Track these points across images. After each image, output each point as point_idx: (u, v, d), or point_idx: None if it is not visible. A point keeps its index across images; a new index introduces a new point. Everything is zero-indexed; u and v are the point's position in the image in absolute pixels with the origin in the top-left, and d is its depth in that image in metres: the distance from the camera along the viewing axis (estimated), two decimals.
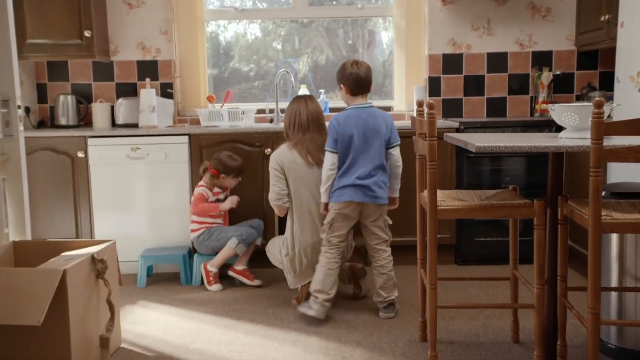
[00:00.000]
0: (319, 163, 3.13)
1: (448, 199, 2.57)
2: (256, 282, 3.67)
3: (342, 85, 3.13)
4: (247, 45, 4.52)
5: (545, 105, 4.07)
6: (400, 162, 3.14)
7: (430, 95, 4.46)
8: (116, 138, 3.93)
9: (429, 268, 2.49)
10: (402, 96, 4.60)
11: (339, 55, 4.59)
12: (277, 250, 3.33)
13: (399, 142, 3.13)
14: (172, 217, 3.98)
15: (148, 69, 4.47)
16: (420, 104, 2.80)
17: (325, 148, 3.07)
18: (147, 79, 4.24)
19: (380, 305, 3.14)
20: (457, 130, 4.00)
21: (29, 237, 2.98)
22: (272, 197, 3.23)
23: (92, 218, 3.96)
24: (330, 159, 3.04)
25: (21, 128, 2.95)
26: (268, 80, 4.46)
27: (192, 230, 3.72)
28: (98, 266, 2.57)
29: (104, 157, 3.93)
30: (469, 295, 3.49)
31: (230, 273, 3.68)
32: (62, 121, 4.30)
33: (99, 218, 3.96)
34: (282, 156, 3.20)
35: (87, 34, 4.07)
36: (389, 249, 3.18)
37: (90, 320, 2.53)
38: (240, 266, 3.67)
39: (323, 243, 3.11)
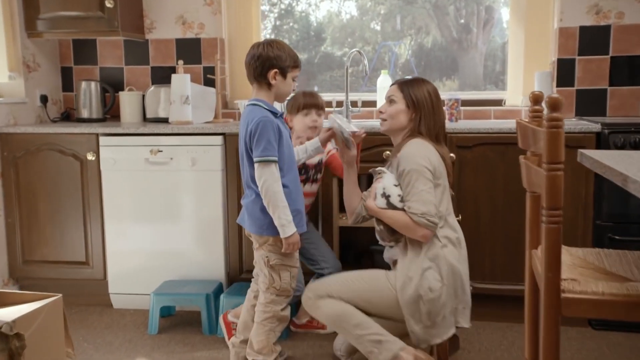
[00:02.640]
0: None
1: (581, 275, 1.40)
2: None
3: None
4: (341, 26, 4.10)
5: None
6: (263, 186, 2.21)
7: (558, 85, 3.32)
8: (132, 137, 3.11)
9: None
10: (519, 86, 3.49)
11: (449, 37, 3.95)
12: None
13: (262, 159, 2.20)
14: (200, 241, 3.12)
15: (189, 50, 3.64)
16: (536, 100, 1.63)
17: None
18: (180, 62, 3.35)
19: None
20: (599, 137, 2.78)
21: None
22: (422, 208, 2.16)
23: (104, 236, 3.17)
24: None
25: None
26: (362, 68, 3.70)
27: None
28: (12, 344, 1.68)
29: (118, 160, 3.11)
30: None
31: (295, 330, 2.87)
32: (84, 113, 3.53)
33: (111, 236, 3.18)
34: (430, 154, 2.24)
35: (108, 4, 3.25)
36: (270, 297, 2.33)
37: None
38: (303, 318, 2.86)
39: None
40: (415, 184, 2.15)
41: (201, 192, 3.08)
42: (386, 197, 2.21)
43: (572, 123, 2.90)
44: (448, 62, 3.85)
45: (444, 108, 2.76)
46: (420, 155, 2.19)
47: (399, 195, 2.19)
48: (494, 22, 3.94)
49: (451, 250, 2.18)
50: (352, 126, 2.39)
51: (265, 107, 2.25)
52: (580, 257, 1.64)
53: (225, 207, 3.08)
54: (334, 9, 4.07)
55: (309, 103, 2.67)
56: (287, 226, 2.21)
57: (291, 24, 4.10)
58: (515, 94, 3.47)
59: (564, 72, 3.32)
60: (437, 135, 2.30)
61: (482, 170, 2.87)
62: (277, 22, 4.04)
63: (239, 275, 3.10)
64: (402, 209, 2.17)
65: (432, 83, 2.36)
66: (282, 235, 2.22)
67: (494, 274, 2.91)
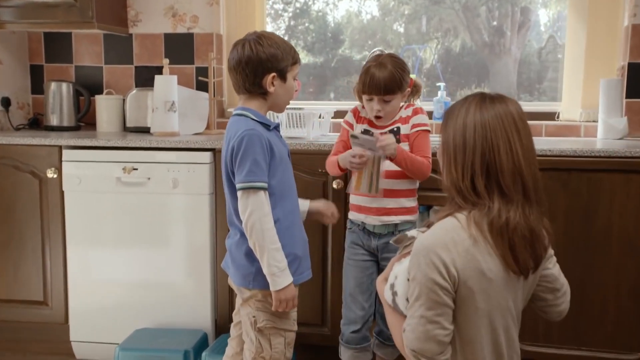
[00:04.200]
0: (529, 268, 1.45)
1: None
2: None
3: None
4: (361, 27, 3.91)
5: None
6: (247, 221, 1.68)
7: (628, 96, 2.78)
8: (102, 151, 2.58)
9: None
10: (577, 96, 2.93)
11: (479, 41, 3.69)
12: None
13: (247, 185, 1.67)
14: (182, 280, 2.60)
15: (180, 47, 3.12)
16: None
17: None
18: (165, 61, 2.79)
19: None
20: None
21: None
22: (416, 344, 1.41)
23: (67, 270, 2.65)
24: None
25: None
26: None
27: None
28: None
29: (84, 179, 2.58)
30: None
31: None
32: (53, 120, 3.00)
33: (74, 271, 2.64)
34: (452, 254, 1.39)
35: None
36: None
37: None
38: None
39: None
40: (416, 303, 1.39)
41: (184, 220, 2.55)
42: (393, 293, 1.54)
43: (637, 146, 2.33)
44: (478, 69, 3.60)
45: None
46: (432, 257, 1.36)
47: (407, 300, 1.46)
48: (530, 24, 3.61)
49: None
50: (370, 137, 1.93)
51: (254, 118, 1.73)
52: None
53: (214, 240, 2.54)
54: (353, 9, 3.82)
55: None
56: (279, 275, 1.69)
57: (307, 24, 3.88)
58: (572, 106, 2.90)
59: (636, 80, 2.75)
60: (484, 194, 1.40)
61: None
62: (292, 22, 3.79)
63: (229, 323, 2.50)
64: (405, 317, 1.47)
65: (490, 104, 1.43)
66: (272, 288, 1.70)
67: (549, 334, 2.30)
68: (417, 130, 2.06)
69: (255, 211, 1.66)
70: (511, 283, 1.41)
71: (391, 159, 1.97)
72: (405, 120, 2.09)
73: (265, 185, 1.67)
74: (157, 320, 2.58)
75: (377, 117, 2.06)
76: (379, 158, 1.98)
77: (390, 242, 1.72)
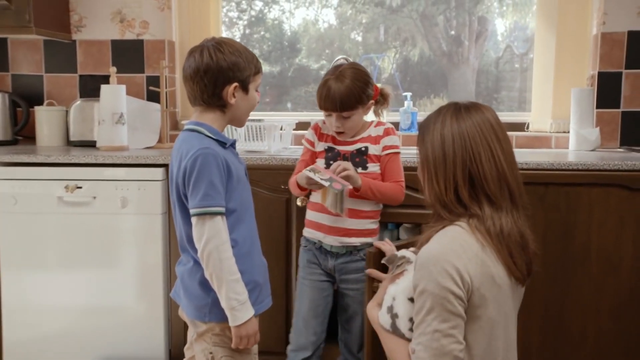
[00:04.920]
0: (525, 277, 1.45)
1: None
2: None
3: None
4: (318, 36, 3.87)
5: None
6: (204, 250, 1.50)
7: (598, 107, 2.73)
8: (40, 168, 2.35)
9: None
10: (547, 106, 2.85)
11: (437, 50, 3.72)
12: None
13: (203, 211, 1.50)
14: (131, 306, 2.39)
15: (129, 54, 2.91)
16: None
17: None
18: (113, 69, 2.58)
19: None
20: None
21: None
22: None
23: (0, 299, 2.39)
24: None
25: None
26: None
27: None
28: None
29: (20, 199, 2.35)
30: None
31: None
32: None
33: (9, 298, 2.41)
34: (464, 260, 1.32)
35: None
36: None
37: None
38: None
39: None
40: (428, 317, 1.31)
41: (134, 242, 2.35)
42: (392, 315, 1.45)
43: (617, 157, 2.25)
44: (436, 78, 3.61)
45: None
46: (444, 265, 1.30)
47: (411, 320, 1.39)
48: (487, 34, 3.63)
49: None
50: (326, 178, 1.79)
51: (208, 134, 1.55)
52: None
53: (167, 263, 2.35)
54: (310, 17, 3.76)
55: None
56: (239, 309, 1.52)
57: (262, 33, 3.80)
58: (542, 117, 2.81)
59: (607, 90, 2.69)
60: (472, 205, 1.37)
61: None
62: (247, 31, 3.69)
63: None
64: (409, 341, 1.40)
65: (466, 113, 1.39)
66: (231, 323, 1.53)
67: (527, 357, 2.19)
68: (389, 153, 1.92)
69: (212, 239, 1.48)
70: (513, 291, 1.39)
71: (356, 190, 1.83)
72: (376, 140, 1.93)
73: (222, 209, 1.50)
74: (104, 351, 2.37)
75: (339, 133, 1.91)
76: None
77: (382, 261, 1.64)
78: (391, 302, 1.46)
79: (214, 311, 1.56)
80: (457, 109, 1.41)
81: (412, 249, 1.58)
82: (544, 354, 2.18)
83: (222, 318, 1.54)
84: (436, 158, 1.38)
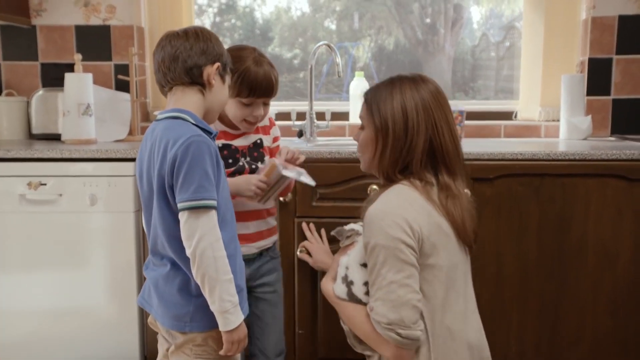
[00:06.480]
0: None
1: None
2: None
3: None
4: (291, 24, 3.87)
5: None
6: (196, 247, 1.35)
7: (589, 94, 2.65)
8: (0, 163, 2.15)
9: None
10: (535, 94, 2.77)
11: (413, 39, 3.71)
12: None
13: (197, 204, 1.34)
14: (103, 310, 2.25)
15: (94, 41, 2.73)
16: None
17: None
18: (77, 56, 2.41)
19: None
20: None
21: None
22: (390, 315, 1.35)
23: None
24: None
25: None
26: (317, 71, 3.52)
27: None
28: None
29: None
30: None
31: None
32: None
33: None
34: (413, 213, 1.38)
35: None
36: None
37: None
38: None
39: None
40: (382, 270, 1.34)
41: (105, 242, 2.20)
42: (348, 283, 1.48)
43: (612, 146, 2.19)
44: (412, 67, 3.60)
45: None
46: (393, 217, 1.33)
47: (366, 284, 1.43)
48: (463, 22, 3.62)
49: None
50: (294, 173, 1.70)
51: (193, 122, 1.40)
52: None
53: (140, 264, 2.20)
54: (282, 5, 3.71)
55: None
56: (232, 312, 1.39)
57: (233, 21, 3.75)
58: (531, 105, 2.73)
59: (597, 77, 2.64)
60: (421, 173, 1.41)
61: (508, 212, 2.07)
62: (217, 19, 3.62)
63: None
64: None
65: (422, 84, 1.44)
66: (223, 328, 1.39)
67: (523, 354, 2.12)
68: (279, 145, 1.85)
69: (206, 235, 1.33)
70: (460, 247, 1.42)
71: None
72: (265, 131, 1.82)
73: (215, 203, 1.36)
74: (74, 358, 2.21)
75: (250, 124, 1.74)
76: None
77: (332, 233, 1.71)
78: (345, 272, 1.49)
79: (196, 319, 1.42)
80: (413, 80, 1.43)
81: (360, 222, 1.58)
82: (540, 349, 2.10)
83: (205, 327, 1.41)
84: (396, 129, 1.39)
